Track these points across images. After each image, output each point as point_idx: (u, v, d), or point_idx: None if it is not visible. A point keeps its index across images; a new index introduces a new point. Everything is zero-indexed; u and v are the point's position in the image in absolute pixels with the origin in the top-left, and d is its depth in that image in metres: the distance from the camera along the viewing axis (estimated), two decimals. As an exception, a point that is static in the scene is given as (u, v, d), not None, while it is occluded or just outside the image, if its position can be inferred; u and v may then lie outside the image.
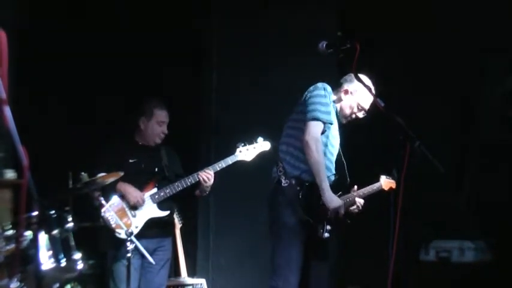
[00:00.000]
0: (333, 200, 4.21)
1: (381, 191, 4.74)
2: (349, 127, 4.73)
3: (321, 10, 6.21)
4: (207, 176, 4.81)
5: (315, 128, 4.22)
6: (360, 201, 4.53)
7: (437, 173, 4.35)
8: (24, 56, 4.92)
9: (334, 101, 4.43)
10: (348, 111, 4.45)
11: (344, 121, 4.52)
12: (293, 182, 4.24)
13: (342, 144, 4.55)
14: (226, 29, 6.50)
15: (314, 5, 6.21)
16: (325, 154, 4.29)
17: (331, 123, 4.29)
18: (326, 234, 4.24)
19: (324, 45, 4.00)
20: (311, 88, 4.38)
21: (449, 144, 5.88)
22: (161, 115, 4.98)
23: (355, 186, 4.58)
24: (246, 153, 4.97)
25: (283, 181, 4.26)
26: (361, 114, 4.47)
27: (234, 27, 6.42)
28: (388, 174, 4.68)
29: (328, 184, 4.22)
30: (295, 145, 4.33)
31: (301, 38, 5.98)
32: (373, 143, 5.65)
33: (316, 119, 4.24)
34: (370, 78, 4.37)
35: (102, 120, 5.80)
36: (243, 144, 4.98)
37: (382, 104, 4.08)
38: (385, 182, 4.76)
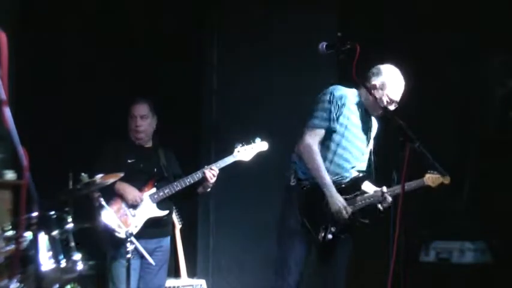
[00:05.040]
0: (334, 203, 4.21)
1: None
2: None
3: (321, 10, 6.20)
4: (213, 173, 4.83)
5: (308, 136, 4.25)
6: (387, 199, 4.33)
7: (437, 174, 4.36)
8: (24, 57, 4.94)
9: (360, 97, 4.35)
10: (377, 107, 4.32)
11: (376, 115, 4.45)
12: (299, 182, 4.27)
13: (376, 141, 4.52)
14: (226, 29, 6.49)
15: (314, 5, 6.20)
16: (332, 161, 4.28)
17: (324, 128, 4.25)
18: (329, 236, 4.24)
19: (324, 46, 4.00)
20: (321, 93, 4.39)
21: (449, 144, 5.88)
22: (132, 109, 4.96)
23: (384, 187, 4.38)
24: (244, 153, 4.98)
25: (291, 180, 4.28)
26: (392, 107, 4.36)
27: (234, 27, 6.42)
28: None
29: (330, 188, 4.21)
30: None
31: (301, 38, 5.97)
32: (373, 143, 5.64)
33: (310, 126, 4.27)
34: (369, 78, 4.36)
35: (102, 121, 5.79)
36: (241, 144, 4.98)
37: (382, 105, 4.08)
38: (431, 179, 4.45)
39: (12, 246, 3.66)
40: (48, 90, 5.71)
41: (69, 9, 5.88)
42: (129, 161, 4.88)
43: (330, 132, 4.28)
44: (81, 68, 5.85)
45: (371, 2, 6.13)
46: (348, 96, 4.33)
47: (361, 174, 4.43)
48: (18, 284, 3.54)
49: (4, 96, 2.26)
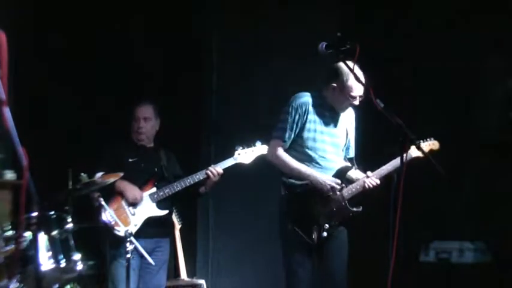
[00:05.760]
0: (323, 185, 4.29)
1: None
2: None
3: (322, 10, 6.20)
4: (217, 171, 4.84)
5: (271, 146, 4.47)
6: (370, 181, 4.43)
7: (437, 174, 4.36)
8: (24, 57, 4.94)
9: (325, 98, 4.42)
10: (342, 105, 4.45)
11: (343, 111, 4.51)
12: (286, 192, 4.38)
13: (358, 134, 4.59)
14: (226, 29, 6.49)
15: (314, 5, 6.21)
16: (313, 167, 4.36)
17: (283, 139, 4.36)
18: (324, 234, 4.29)
19: (324, 46, 4.00)
20: None
21: (449, 144, 5.88)
22: (136, 110, 4.98)
23: (368, 172, 4.51)
24: (245, 156, 4.99)
25: (282, 191, 4.39)
26: (357, 102, 4.42)
27: (234, 27, 6.42)
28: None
29: (313, 175, 4.30)
30: None
31: (301, 39, 5.97)
32: (372, 143, 5.64)
33: (273, 137, 4.44)
34: (370, 78, 4.36)
35: (102, 121, 5.80)
36: (241, 147, 5.00)
37: (382, 105, 4.08)
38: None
39: (12, 246, 3.66)
40: (48, 90, 5.72)
41: (68, 9, 5.89)
42: (130, 160, 4.89)
43: (302, 141, 4.36)
44: (81, 68, 5.85)
45: (371, 2, 6.13)
46: (309, 101, 4.41)
47: (342, 165, 4.48)
48: (18, 284, 3.55)
49: (4, 96, 2.26)
